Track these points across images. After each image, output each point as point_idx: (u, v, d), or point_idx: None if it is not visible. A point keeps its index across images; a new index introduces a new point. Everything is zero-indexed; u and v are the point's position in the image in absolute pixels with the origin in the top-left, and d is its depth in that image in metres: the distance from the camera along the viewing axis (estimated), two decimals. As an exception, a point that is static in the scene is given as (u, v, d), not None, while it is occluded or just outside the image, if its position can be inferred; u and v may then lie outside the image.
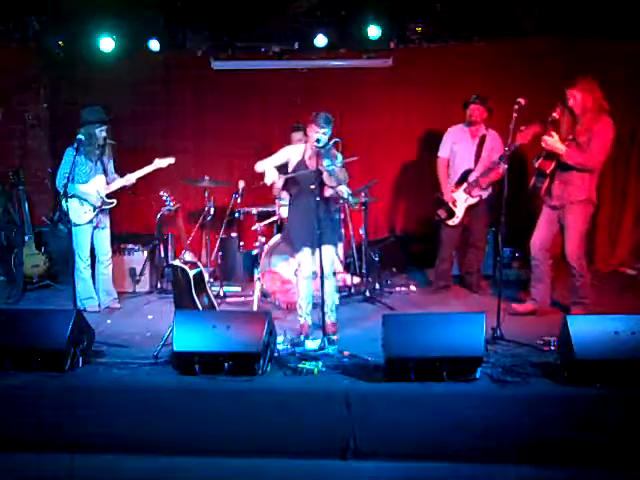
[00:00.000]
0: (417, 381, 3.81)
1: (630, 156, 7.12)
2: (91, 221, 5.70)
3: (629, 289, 6.28)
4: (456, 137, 6.25)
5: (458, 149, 6.22)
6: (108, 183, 5.75)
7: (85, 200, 5.66)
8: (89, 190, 5.67)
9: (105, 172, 5.75)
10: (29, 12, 6.69)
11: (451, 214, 6.16)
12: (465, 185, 6.13)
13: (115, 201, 5.78)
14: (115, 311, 5.85)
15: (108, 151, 5.78)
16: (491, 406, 3.69)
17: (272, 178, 4.80)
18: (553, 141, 5.00)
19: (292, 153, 4.94)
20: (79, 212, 5.66)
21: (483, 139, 6.14)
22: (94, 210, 5.69)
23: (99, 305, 5.84)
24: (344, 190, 4.72)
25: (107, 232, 5.88)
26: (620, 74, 6.66)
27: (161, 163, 5.72)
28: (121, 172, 5.89)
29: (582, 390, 3.71)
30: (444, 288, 6.41)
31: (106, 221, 5.86)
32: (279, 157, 4.93)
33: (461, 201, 6.15)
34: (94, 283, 5.88)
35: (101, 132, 5.63)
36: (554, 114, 5.03)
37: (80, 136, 5.19)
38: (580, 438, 3.57)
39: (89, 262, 5.79)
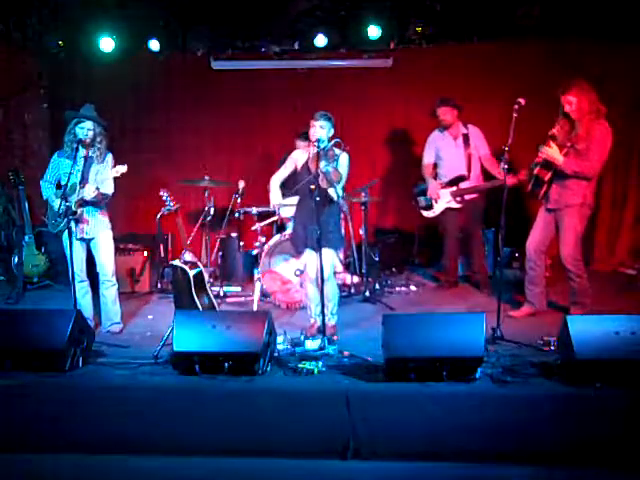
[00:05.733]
0: (417, 381, 3.81)
1: (631, 157, 7.14)
2: (64, 229, 4.93)
3: (629, 289, 6.27)
4: (439, 144, 6.33)
5: (445, 155, 6.30)
6: (80, 189, 4.96)
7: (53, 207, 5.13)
8: (57, 198, 5.07)
9: (83, 177, 5.03)
10: (29, 12, 6.69)
11: (429, 207, 6.33)
12: (454, 189, 6.21)
13: (79, 212, 5.02)
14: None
15: (96, 156, 5.10)
16: (491, 406, 3.69)
17: (277, 200, 5.10)
18: (552, 152, 5.02)
19: (299, 158, 5.01)
20: (54, 217, 5.15)
21: (466, 138, 6.16)
22: (64, 217, 4.93)
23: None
24: (334, 193, 4.73)
25: (106, 248, 5.21)
26: (620, 74, 6.66)
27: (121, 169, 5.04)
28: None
29: (582, 390, 3.70)
30: (451, 286, 6.45)
31: (96, 233, 5.17)
32: (288, 165, 5.03)
33: (443, 201, 6.28)
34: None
35: (81, 129, 5.03)
36: (553, 130, 5.07)
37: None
38: (580, 438, 3.57)
39: (79, 278, 5.06)
